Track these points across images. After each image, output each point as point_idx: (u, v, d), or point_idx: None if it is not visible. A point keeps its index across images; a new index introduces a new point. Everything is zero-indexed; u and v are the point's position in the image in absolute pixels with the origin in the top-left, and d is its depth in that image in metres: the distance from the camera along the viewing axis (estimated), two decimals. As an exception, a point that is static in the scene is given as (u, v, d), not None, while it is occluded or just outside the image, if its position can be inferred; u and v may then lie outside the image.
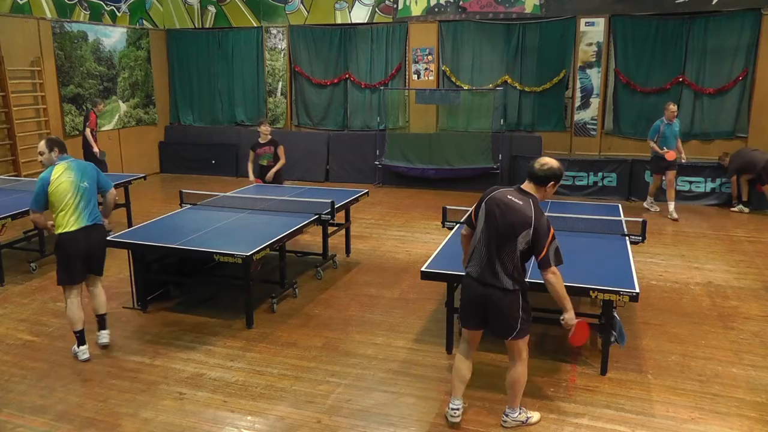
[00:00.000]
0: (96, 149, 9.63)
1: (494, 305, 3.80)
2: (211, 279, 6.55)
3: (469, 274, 3.91)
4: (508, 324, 3.81)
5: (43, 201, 4.88)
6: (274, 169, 8.40)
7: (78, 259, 4.91)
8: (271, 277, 6.47)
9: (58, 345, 5.31)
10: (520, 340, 3.86)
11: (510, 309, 3.79)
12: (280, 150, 8.47)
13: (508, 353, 3.98)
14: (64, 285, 4.96)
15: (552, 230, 3.74)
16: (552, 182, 3.78)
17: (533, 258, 3.80)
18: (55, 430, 4.09)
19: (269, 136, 8.47)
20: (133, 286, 6.03)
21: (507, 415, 4.07)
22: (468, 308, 3.95)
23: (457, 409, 4.08)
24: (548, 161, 3.78)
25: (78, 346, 5.03)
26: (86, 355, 5.00)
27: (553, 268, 3.74)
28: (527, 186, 3.80)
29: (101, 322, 5.21)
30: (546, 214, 6.55)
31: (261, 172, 8.50)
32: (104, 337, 5.22)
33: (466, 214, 3.99)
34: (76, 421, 4.19)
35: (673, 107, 9.45)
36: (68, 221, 4.86)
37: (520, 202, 3.71)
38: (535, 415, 4.13)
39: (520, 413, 4.07)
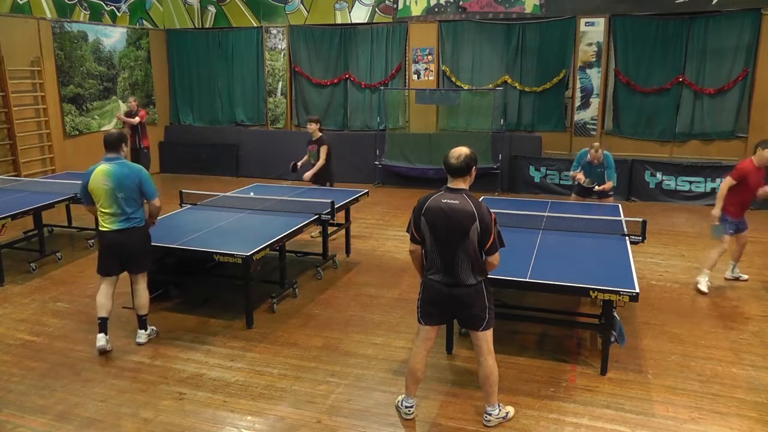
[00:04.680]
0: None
1: (461, 301, 3.88)
2: (211, 279, 6.55)
3: (430, 279, 3.94)
4: (478, 316, 3.90)
5: (88, 197, 5.05)
6: (311, 172, 8.08)
7: (108, 256, 5.09)
8: (271, 277, 6.46)
9: (58, 345, 5.31)
10: (488, 331, 3.94)
11: (477, 301, 3.87)
12: (323, 150, 8.07)
13: (476, 348, 4.02)
14: (98, 274, 5.17)
15: (493, 215, 3.82)
16: (473, 167, 3.87)
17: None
18: (55, 430, 4.09)
19: (318, 134, 8.13)
20: (133, 286, 6.03)
21: (489, 414, 4.09)
22: (432, 307, 3.98)
23: (411, 407, 4.17)
24: (460, 151, 3.83)
25: (98, 333, 5.13)
26: (100, 343, 5.09)
27: (498, 253, 3.87)
28: (454, 183, 3.85)
29: (140, 322, 5.31)
30: (546, 213, 6.58)
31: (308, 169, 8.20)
32: (140, 336, 5.31)
33: (409, 233, 4.01)
34: (76, 421, 4.19)
35: (596, 146, 7.53)
36: (103, 220, 5.02)
37: (457, 201, 3.76)
38: (511, 410, 4.19)
39: (499, 410, 4.11)
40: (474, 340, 4.00)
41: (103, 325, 5.12)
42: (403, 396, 4.23)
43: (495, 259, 3.88)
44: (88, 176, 4.99)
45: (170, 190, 11.65)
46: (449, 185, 3.86)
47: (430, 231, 3.83)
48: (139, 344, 5.25)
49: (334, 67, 13.02)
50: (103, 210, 4.98)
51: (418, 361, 4.09)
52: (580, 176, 7.68)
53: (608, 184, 7.56)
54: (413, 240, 3.99)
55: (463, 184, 3.86)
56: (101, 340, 5.10)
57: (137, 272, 5.21)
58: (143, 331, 5.31)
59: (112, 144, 5.02)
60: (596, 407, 4.30)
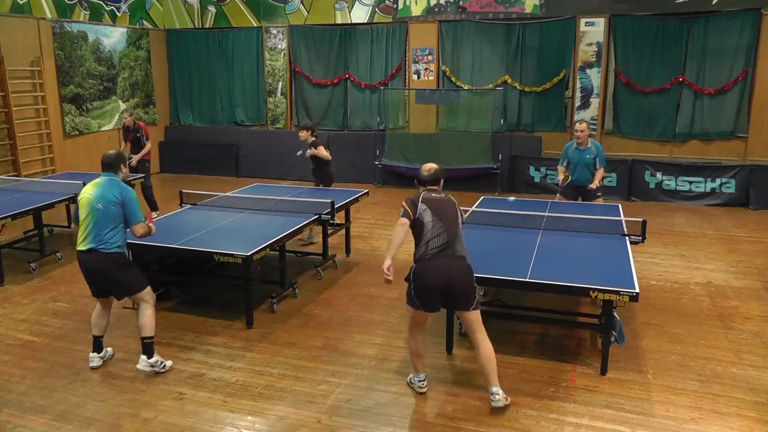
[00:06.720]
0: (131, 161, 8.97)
1: (457, 273, 4.14)
2: (211, 279, 6.55)
3: (425, 258, 4.19)
4: (469, 293, 4.17)
5: (76, 213, 4.68)
6: (313, 151, 7.93)
7: (86, 278, 4.73)
8: (271, 277, 6.46)
9: (58, 345, 5.31)
10: (478, 310, 4.22)
11: (469, 273, 4.20)
12: (320, 148, 7.94)
13: (472, 330, 4.21)
14: None
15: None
16: (442, 179, 4.48)
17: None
18: (55, 430, 4.09)
19: (311, 140, 7.94)
20: (133, 286, 6.02)
21: (497, 394, 4.19)
22: (429, 290, 4.18)
23: (423, 380, 4.45)
24: (431, 166, 4.47)
25: (90, 352, 4.94)
26: (92, 363, 4.89)
27: None
28: (431, 188, 4.42)
29: (143, 345, 4.75)
30: (546, 213, 6.59)
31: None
32: (141, 361, 4.75)
33: (402, 209, 4.32)
34: (76, 421, 4.19)
35: (580, 126, 7.24)
36: (79, 238, 4.63)
37: (442, 195, 4.39)
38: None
39: (500, 389, 4.23)
40: (466, 323, 4.21)
41: (96, 344, 4.89)
42: (413, 374, 4.46)
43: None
44: (81, 190, 4.72)
45: (170, 190, 11.66)
46: (428, 188, 4.39)
47: (433, 213, 4.20)
48: (139, 371, 4.73)
49: (334, 67, 13.01)
50: (80, 226, 4.60)
51: (418, 341, 4.39)
52: (562, 176, 7.49)
53: (599, 172, 7.27)
54: (405, 215, 4.24)
55: (437, 189, 4.43)
56: (93, 360, 4.88)
57: (120, 297, 4.82)
58: (145, 356, 4.74)
59: (108, 165, 4.69)
60: (596, 407, 4.30)
